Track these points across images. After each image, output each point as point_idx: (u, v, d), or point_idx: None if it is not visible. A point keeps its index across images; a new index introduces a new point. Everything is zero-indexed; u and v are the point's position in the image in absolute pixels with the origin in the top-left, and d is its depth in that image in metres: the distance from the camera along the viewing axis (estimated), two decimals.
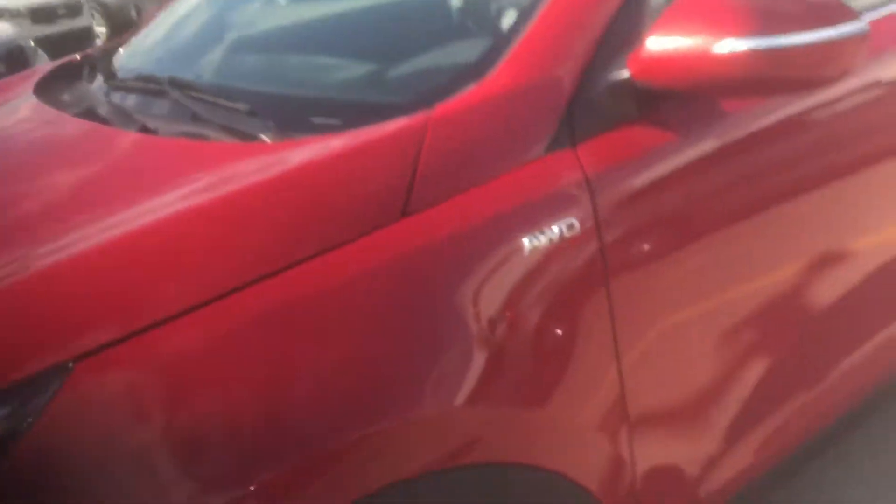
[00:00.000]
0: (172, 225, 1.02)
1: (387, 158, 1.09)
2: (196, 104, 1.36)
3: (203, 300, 0.94)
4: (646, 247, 1.24)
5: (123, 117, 1.42)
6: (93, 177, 1.26)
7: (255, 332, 0.94)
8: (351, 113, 1.20)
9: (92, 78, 1.74)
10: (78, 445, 0.87)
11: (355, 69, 1.39)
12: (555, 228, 1.14)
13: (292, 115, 1.24)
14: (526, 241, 1.11)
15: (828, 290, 1.56)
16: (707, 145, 1.32)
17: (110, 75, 1.69)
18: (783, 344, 1.49)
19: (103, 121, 1.44)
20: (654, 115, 1.26)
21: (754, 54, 1.15)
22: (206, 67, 1.59)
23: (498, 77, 1.19)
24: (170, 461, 0.90)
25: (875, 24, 1.44)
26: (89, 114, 1.52)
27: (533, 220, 1.13)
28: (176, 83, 1.44)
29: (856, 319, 1.66)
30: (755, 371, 1.44)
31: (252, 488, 0.90)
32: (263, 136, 1.19)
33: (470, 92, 1.18)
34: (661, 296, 1.27)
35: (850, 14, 1.18)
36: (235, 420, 0.92)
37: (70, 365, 0.87)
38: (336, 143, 1.11)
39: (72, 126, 1.46)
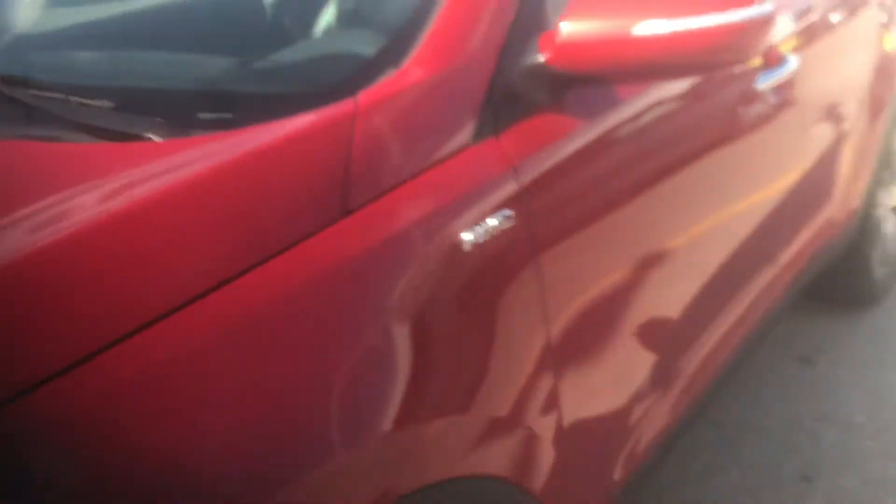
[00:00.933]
0: (72, 247, 0.81)
1: (320, 152, 0.98)
2: (51, 104, 1.17)
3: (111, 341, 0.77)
4: (568, 229, 1.23)
5: None
6: None
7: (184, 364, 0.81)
8: (260, 105, 1.08)
9: None
10: None
11: (258, 57, 1.25)
12: (491, 221, 1.09)
13: (188, 110, 1.09)
14: (466, 236, 1.05)
15: (716, 246, 1.67)
16: (613, 126, 1.33)
17: None
18: (685, 304, 1.56)
19: None
20: (567, 99, 1.25)
21: (671, 36, 1.15)
22: (56, 62, 1.37)
23: (416, 64, 1.12)
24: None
25: None
26: None
27: (471, 213, 1.07)
28: (17, 81, 1.24)
29: (735, 278, 1.78)
30: (666, 333, 1.49)
31: None
32: (154, 136, 1.04)
33: (390, 80, 1.10)
34: (584, 280, 1.26)
35: None
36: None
37: None
38: (255, 138, 0.98)
39: None
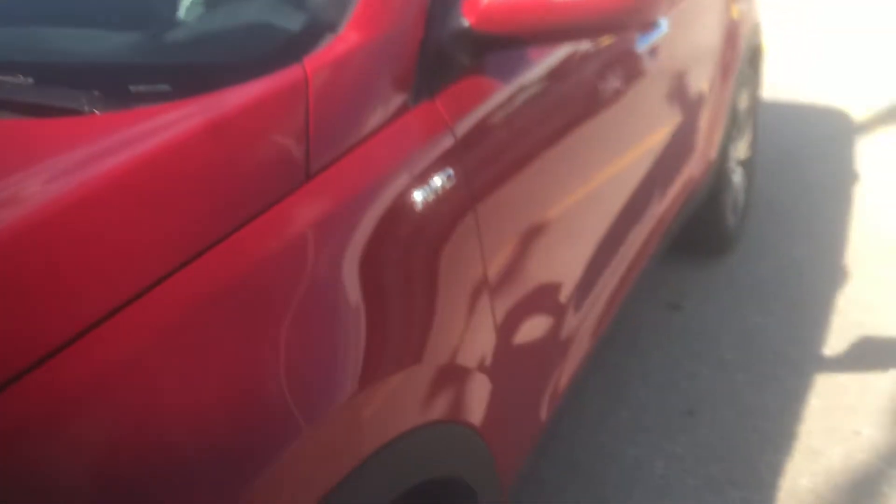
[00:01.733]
0: (37, 227, 0.77)
1: (280, 116, 0.99)
2: None
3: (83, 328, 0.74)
4: (497, 181, 1.30)
5: None
6: None
7: (179, 332, 0.81)
8: (205, 74, 1.06)
9: None
10: None
11: (195, 26, 1.22)
12: (436, 179, 1.14)
13: (128, 81, 1.05)
14: (416, 195, 1.10)
15: (613, 189, 1.83)
16: (528, 84, 1.41)
17: None
18: (595, 244, 1.68)
19: None
20: (489, 61, 1.30)
21: (580, 1, 1.23)
22: None
23: (352, 29, 1.14)
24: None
25: None
26: None
27: (418, 172, 1.11)
28: None
29: (624, 222, 1.92)
30: (578, 271, 1.61)
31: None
32: (93, 110, 1.01)
33: (330, 45, 1.12)
34: (512, 227, 1.34)
35: None
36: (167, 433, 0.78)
37: None
38: (212, 106, 0.97)
39: None
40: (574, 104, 1.59)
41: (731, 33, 2.73)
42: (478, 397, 1.28)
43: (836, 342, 2.58)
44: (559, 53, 1.53)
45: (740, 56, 2.83)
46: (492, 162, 1.29)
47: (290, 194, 0.95)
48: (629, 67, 1.85)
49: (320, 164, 1.00)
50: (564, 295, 1.61)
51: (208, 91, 1.01)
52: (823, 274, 2.99)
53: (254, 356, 0.86)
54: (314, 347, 0.93)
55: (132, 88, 1.04)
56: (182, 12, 1.24)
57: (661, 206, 2.26)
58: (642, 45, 1.89)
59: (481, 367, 1.27)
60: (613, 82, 1.76)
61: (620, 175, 1.87)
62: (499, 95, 1.32)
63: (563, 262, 1.61)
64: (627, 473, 2.10)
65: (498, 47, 1.30)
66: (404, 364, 1.07)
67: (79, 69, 1.10)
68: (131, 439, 0.74)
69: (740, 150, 3.21)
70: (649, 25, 1.35)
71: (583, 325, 1.72)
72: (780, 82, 4.77)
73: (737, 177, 3.17)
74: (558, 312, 1.59)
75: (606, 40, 1.70)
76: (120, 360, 0.75)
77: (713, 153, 2.70)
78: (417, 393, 1.11)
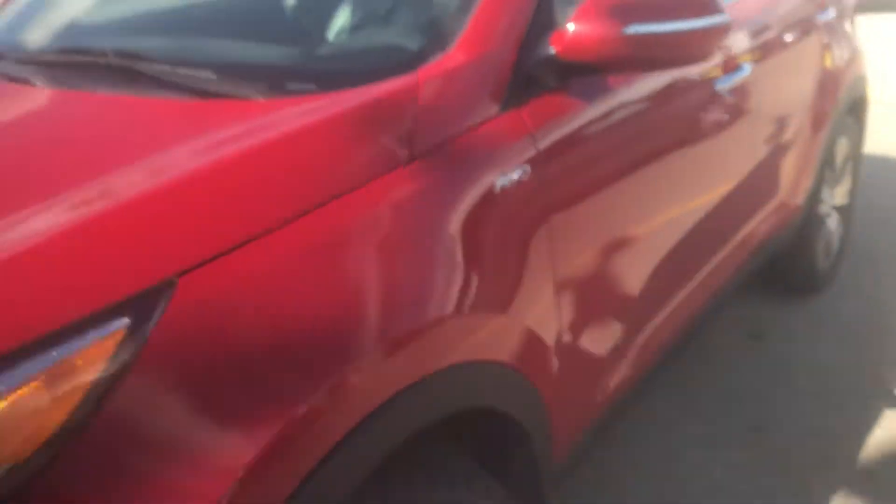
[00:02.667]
0: (234, 164, 1.16)
1: (393, 111, 1.31)
2: (161, 72, 1.49)
3: (265, 230, 1.10)
4: (569, 184, 1.57)
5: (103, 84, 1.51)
6: (126, 133, 1.35)
7: (319, 253, 1.14)
8: (347, 75, 1.41)
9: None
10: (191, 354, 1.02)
11: (342, 40, 1.60)
12: (515, 172, 1.42)
13: (286, 79, 1.42)
14: (498, 181, 1.38)
15: (684, 220, 2.04)
16: (606, 110, 1.68)
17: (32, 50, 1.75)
18: (665, 262, 1.91)
19: (87, 86, 1.52)
20: (571, 85, 1.58)
21: (647, 37, 1.50)
22: (159, 42, 1.70)
23: (458, 49, 1.46)
24: (265, 361, 1.07)
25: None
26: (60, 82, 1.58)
27: (501, 164, 1.40)
28: (129, 54, 1.56)
29: (699, 250, 2.14)
30: (647, 282, 1.84)
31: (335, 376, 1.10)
32: (259, 96, 1.36)
33: (440, 60, 1.43)
34: (580, 225, 1.60)
35: (716, 7, 1.57)
36: (313, 323, 1.10)
37: (175, 280, 1.02)
38: (348, 99, 1.31)
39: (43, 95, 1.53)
40: (650, 132, 1.84)
41: (826, 82, 2.90)
42: (540, 361, 1.54)
43: None
44: (640, 85, 1.79)
45: (836, 105, 2.98)
46: (564, 168, 1.56)
47: (395, 169, 1.27)
48: (707, 104, 2.09)
49: (422, 149, 1.31)
50: (626, 304, 1.84)
51: (345, 88, 1.35)
52: None
53: (363, 275, 1.18)
54: (409, 277, 1.24)
55: (288, 84, 1.39)
56: (330, 35, 1.61)
57: (734, 242, 2.45)
58: (722, 85, 2.12)
59: (547, 336, 1.53)
60: (690, 117, 2.00)
61: (690, 206, 2.09)
62: (577, 113, 1.60)
63: (630, 273, 1.84)
64: (685, 474, 2.29)
65: (579, 73, 1.58)
66: (471, 307, 1.34)
67: (251, 69, 1.47)
68: (285, 311, 1.09)
69: (837, 196, 3.34)
70: (701, 59, 1.61)
71: (644, 334, 1.94)
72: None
73: (832, 221, 3.30)
74: (619, 312, 1.83)
75: (687, 77, 1.96)
76: (281, 255, 1.11)
77: (799, 199, 2.86)
78: (488, 334, 1.39)
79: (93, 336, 0.96)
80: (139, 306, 0.99)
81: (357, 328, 1.16)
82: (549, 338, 1.54)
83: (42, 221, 1.05)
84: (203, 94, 1.40)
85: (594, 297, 1.70)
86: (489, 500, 1.37)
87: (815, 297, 3.25)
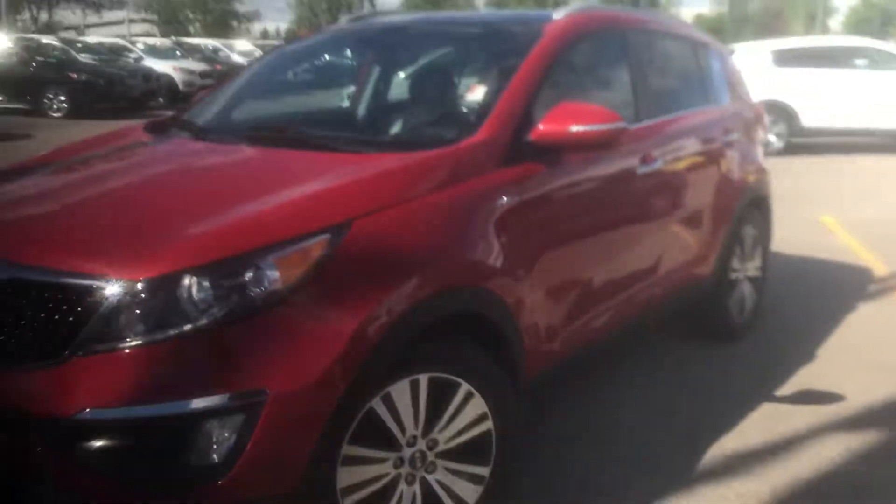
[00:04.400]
0: (374, 176, 2.49)
1: (440, 169, 2.60)
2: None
3: (388, 205, 2.35)
4: (538, 211, 2.82)
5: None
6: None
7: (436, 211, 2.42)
8: (419, 144, 2.70)
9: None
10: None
11: (397, 128, 3.02)
12: (504, 199, 2.67)
13: (360, 143, 2.79)
14: (504, 199, 2.63)
15: (622, 257, 3.37)
16: (565, 174, 2.96)
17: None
18: (600, 273, 3.19)
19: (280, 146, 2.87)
20: (543, 158, 2.85)
21: (586, 132, 2.77)
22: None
23: (480, 133, 2.74)
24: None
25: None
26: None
27: (495, 194, 2.66)
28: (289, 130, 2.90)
29: (631, 275, 3.41)
30: (592, 283, 3.13)
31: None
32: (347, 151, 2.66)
33: (469, 139, 2.71)
34: (547, 235, 2.84)
35: (620, 118, 2.86)
36: (412, 251, 2.34)
37: (351, 221, 2.24)
38: (423, 154, 2.60)
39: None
40: (592, 191, 3.13)
41: (728, 184, 4.17)
42: (516, 300, 2.71)
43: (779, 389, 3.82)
44: (588, 163, 3.06)
45: (738, 199, 4.24)
46: (536, 198, 2.80)
47: (444, 189, 2.52)
48: (630, 181, 3.38)
49: (457, 181, 2.57)
50: (576, 289, 3.09)
51: (405, 152, 2.65)
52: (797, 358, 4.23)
53: (424, 236, 2.43)
54: (452, 239, 2.50)
55: (361, 147, 2.72)
56: (395, 129, 2.98)
57: (653, 278, 3.65)
58: (642, 170, 3.40)
59: (520, 289, 2.73)
60: (620, 187, 3.31)
61: (621, 241, 3.40)
62: (546, 174, 2.85)
63: (580, 275, 3.11)
64: (628, 439, 3.40)
65: (547, 151, 2.84)
66: (479, 259, 2.56)
67: (341, 135, 2.84)
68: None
69: (749, 269, 4.54)
70: (609, 146, 2.92)
71: (586, 318, 3.16)
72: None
73: (745, 287, 4.49)
74: (568, 298, 3.03)
75: (621, 163, 3.25)
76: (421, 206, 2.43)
77: (709, 264, 4.10)
78: (492, 275, 2.60)
79: (316, 238, 2.20)
80: (335, 231, 2.23)
81: (434, 256, 2.41)
82: (524, 292, 2.74)
83: (290, 195, 2.32)
84: (340, 150, 2.71)
85: (553, 279, 2.91)
86: (485, 364, 2.55)
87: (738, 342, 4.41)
